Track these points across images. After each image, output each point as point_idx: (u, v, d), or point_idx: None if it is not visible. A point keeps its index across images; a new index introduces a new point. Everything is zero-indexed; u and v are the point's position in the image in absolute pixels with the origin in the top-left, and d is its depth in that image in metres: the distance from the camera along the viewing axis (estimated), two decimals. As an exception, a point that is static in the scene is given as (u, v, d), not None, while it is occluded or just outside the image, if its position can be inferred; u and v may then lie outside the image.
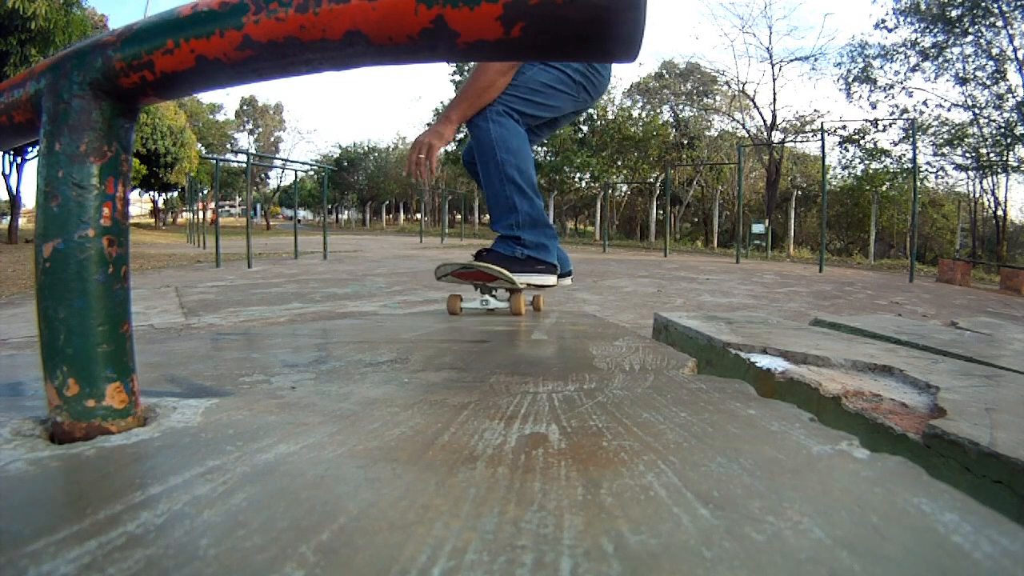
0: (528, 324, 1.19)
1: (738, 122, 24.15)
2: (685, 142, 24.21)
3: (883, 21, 18.18)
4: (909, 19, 17.46)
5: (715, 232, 23.05)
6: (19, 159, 13.65)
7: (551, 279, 1.51)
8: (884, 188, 20.50)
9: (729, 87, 23.81)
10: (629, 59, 0.35)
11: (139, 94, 0.41)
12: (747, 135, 23.33)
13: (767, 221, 18.81)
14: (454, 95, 1.64)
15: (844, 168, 21.84)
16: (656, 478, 0.33)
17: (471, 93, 1.38)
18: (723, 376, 0.70)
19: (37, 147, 0.42)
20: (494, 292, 1.55)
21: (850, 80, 19.84)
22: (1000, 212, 18.72)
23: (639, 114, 24.80)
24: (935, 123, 18.64)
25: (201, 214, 18.97)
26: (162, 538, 0.26)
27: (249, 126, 38.54)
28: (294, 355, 0.76)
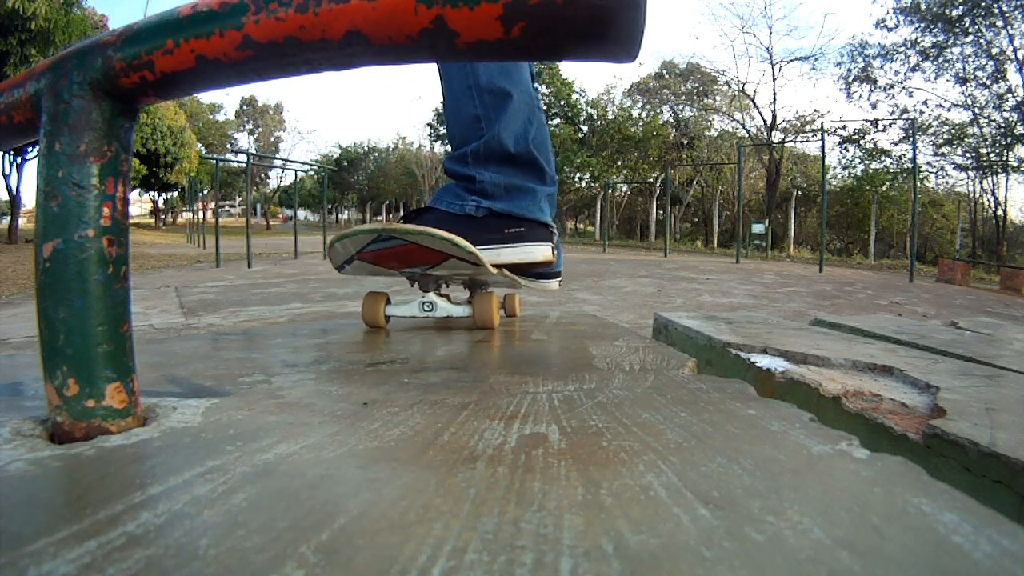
0: (528, 324, 1.19)
1: (738, 122, 24.18)
2: (685, 142, 24.23)
3: (883, 20, 18.20)
4: (909, 18, 17.47)
5: (715, 232, 23.05)
6: (19, 159, 13.66)
7: (540, 251, 0.89)
8: (884, 188, 20.52)
9: (729, 87, 23.83)
10: (629, 59, 0.35)
11: (139, 94, 0.41)
12: (747, 135, 23.34)
13: (767, 221, 18.82)
14: None
15: (844, 168, 21.87)
16: (656, 478, 0.33)
17: None
18: (723, 376, 0.70)
19: (37, 147, 0.42)
20: (443, 286, 0.97)
21: (850, 80, 19.87)
22: (1000, 212, 18.73)
23: (639, 114, 24.83)
24: (935, 123, 18.66)
25: (201, 214, 18.97)
26: (162, 538, 0.26)
27: (249, 126, 38.58)
28: (294, 355, 0.76)
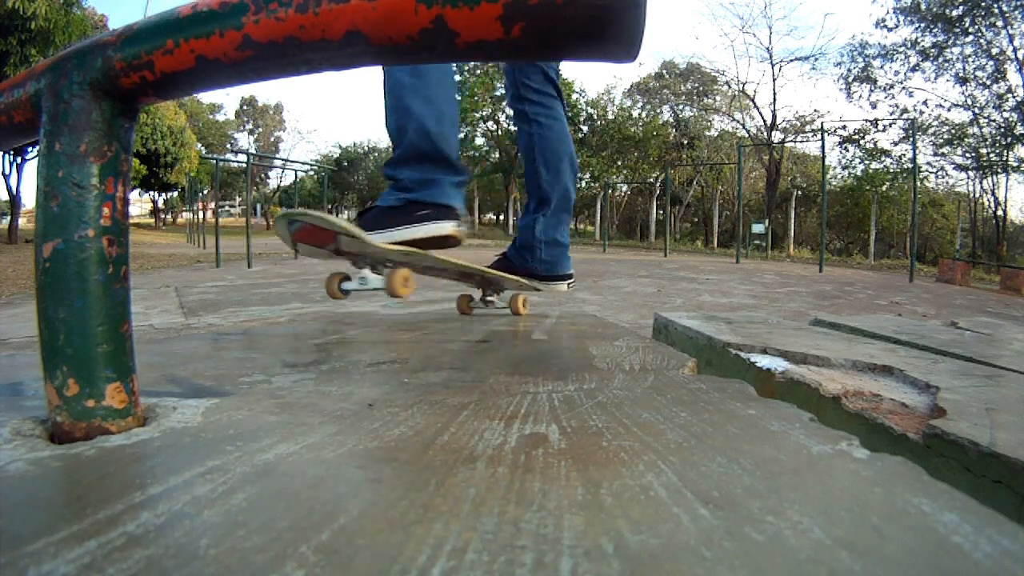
0: (528, 324, 1.19)
1: (738, 122, 24.18)
2: (685, 142, 24.22)
3: (883, 20, 18.18)
4: (909, 18, 17.46)
5: (715, 232, 23.07)
6: (19, 159, 13.65)
7: (444, 227, 1.08)
8: (884, 188, 20.51)
9: (729, 87, 23.83)
10: (629, 59, 0.35)
11: (139, 94, 0.41)
12: (747, 135, 23.33)
13: (767, 221, 18.82)
14: None
15: (844, 168, 21.87)
16: (656, 478, 0.33)
17: None
18: (723, 376, 0.70)
19: (37, 147, 0.42)
20: (382, 264, 1.14)
21: (850, 80, 19.87)
22: (1000, 212, 18.72)
23: (639, 114, 24.82)
24: (935, 123, 18.65)
25: (201, 214, 18.97)
26: (162, 538, 0.26)
27: (249, 126, 38.53)
28: (294, 355, 0.76)
